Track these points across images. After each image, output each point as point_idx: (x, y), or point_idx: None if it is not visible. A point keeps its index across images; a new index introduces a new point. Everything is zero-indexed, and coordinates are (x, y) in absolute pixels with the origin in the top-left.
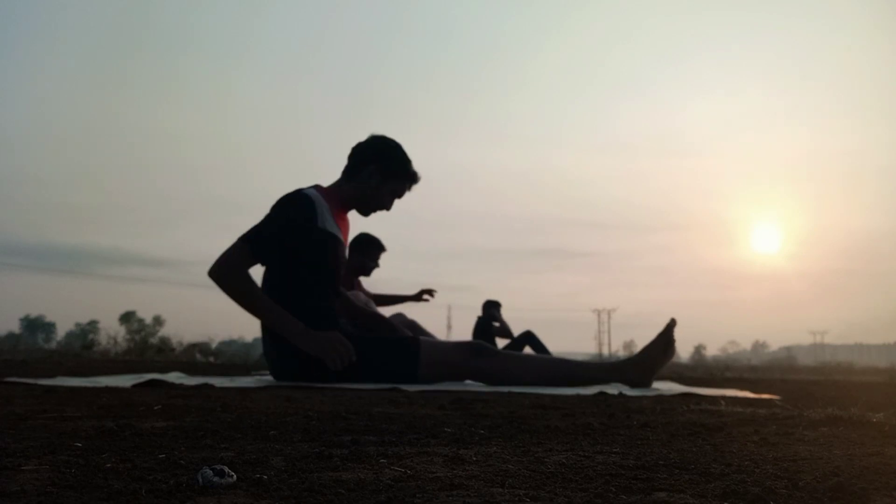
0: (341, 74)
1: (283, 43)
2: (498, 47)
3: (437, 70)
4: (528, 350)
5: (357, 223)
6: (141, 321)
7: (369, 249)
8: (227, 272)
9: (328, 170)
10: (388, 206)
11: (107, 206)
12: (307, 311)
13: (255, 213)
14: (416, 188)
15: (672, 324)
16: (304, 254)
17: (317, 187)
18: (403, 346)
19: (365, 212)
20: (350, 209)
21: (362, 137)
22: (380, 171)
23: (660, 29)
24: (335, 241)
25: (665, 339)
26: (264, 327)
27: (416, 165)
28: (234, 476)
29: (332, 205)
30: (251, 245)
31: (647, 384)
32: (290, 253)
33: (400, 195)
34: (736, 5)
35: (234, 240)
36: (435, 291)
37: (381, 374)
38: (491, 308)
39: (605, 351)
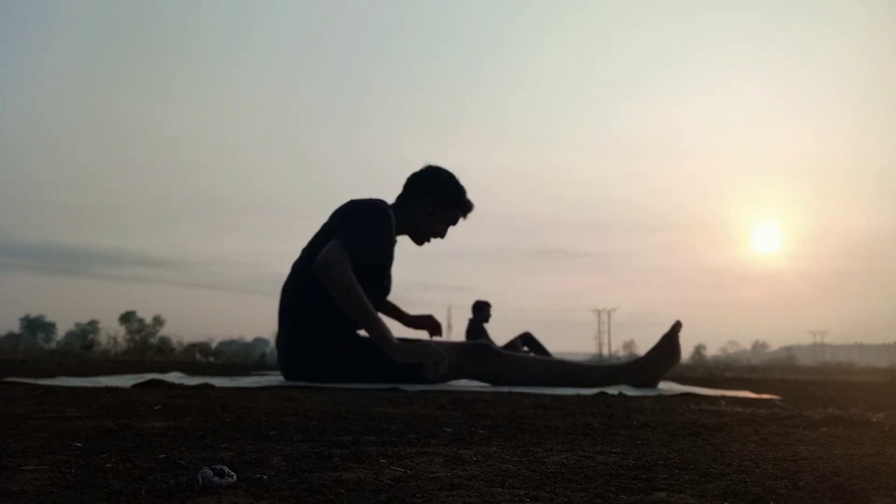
0: (342, 75)
1: (283, 43)
2: (498, 48)
3: (437, 70)
4: (526, 351)
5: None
6: (141, 321)
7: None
8: (335, 266)
9: (329, 170)
10: (441, 235)
11: (108, 206)
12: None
13: (256, 213)
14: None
15: (677, 326)
16: (376, 266)
17: (391, 208)
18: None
19: (418, 240)
20: (400, 234)
21: (364, 139)
22: (432, 200)
23: (660, 30)
24: (393, 246)
25: (670, 341)
26: (282, 325)
27: (416, 166)
28: (234, 476)
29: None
30: (358, 249)
31: (652, 387)
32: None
33: (454, 223)
34: (736, 6)
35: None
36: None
37: (388, 375)
38: (480, 310)
39: (605, 351)
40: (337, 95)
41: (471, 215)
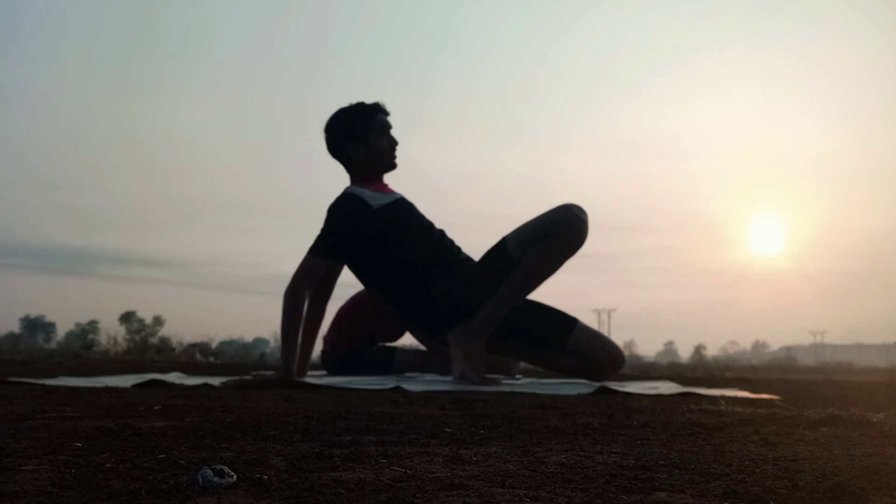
0: (347, 77)
1: (286, 44)
2: (500, 50)
3: (441, 73)
4: None
5: (399, 180)
6: (141, 321)
7: None
8: (288, 287)
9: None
10: (392, 143)
11: (108, 206)
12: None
13: (256, 213)
14: (417, 189)
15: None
16: (388, 232)
17: (352, 190)
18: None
19: (387, 168)
20: (380, 178)
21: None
22: (355, 138)
23: (663, 33)
24: (396, 206)
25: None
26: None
27: (420, 167)
28: (234, 476)
29: (369, 188)
30: (314, 250)
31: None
32: (377, 238)
33: (386, 129)
34: (738, 9)
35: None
36: None
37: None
38: None
39: None
40: (340, 96)
41: (390, 119)
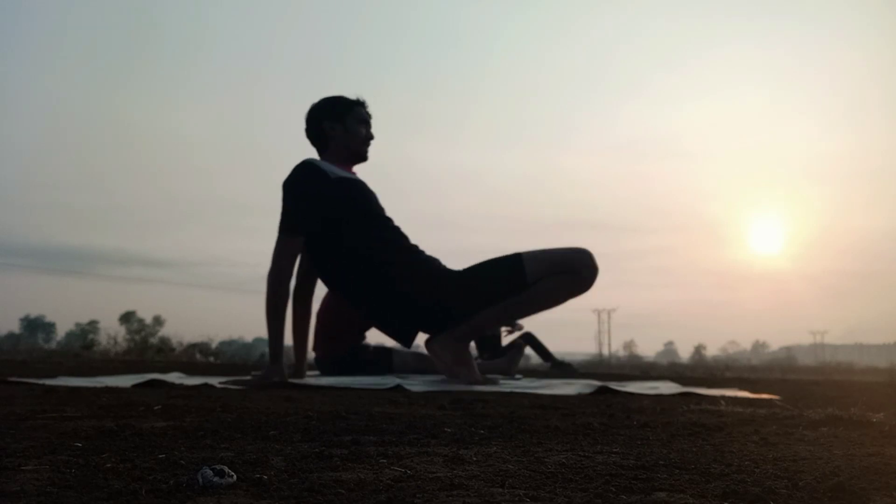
0: (347, 77)
1: (286, 45)
2: (501, 51)
3: (442, 74)
4: (527, 351)
5: (369, 170)
6: (141, 321)
7: None
8: (270, 269)
9: None
10: (367, 136)
11: (109, 207)
12: (403, 265)
13: (256, 213)
14: (417, 189)
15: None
16: (340, 209)
17: (309, 159)
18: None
19: (359, 155)
20: (350, 165)
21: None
22: (333, 119)
23: (663, 33)
24: (355, 184)
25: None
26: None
27: (420, 167)
28: (234, 476)
29: (336, 166)
30: (284, 229)
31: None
32: (331, 219)
33: (366, 119)
34: (738, 9)
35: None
36: None
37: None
38: None
39: (606, 351)
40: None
41: (367, 107)
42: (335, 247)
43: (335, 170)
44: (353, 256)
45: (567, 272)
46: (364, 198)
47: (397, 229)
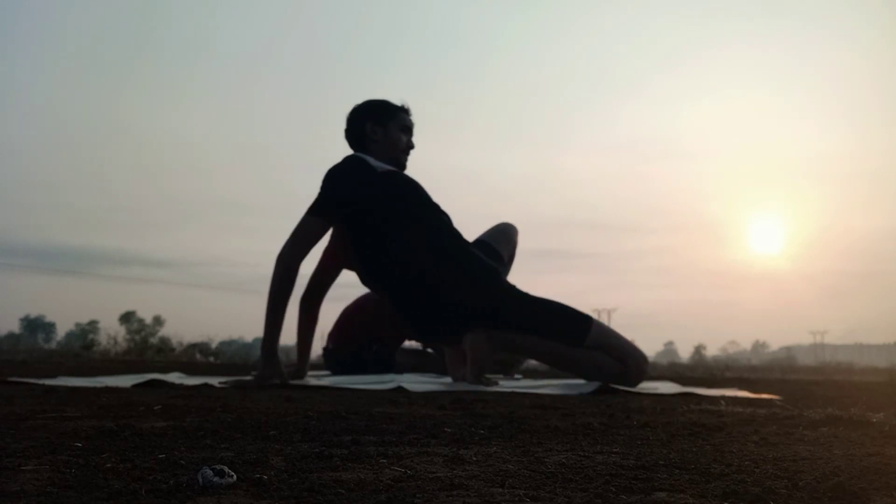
0: (347, 77)
1: (286, 44)
2: (501, 50)
3: (441, 73)
4: None
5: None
6: (141, 321)
7: None
8: (282, 250)
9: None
10: (408, 144)
11: (109, 207)
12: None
13: (256, 213)
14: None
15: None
16: (387, 203)
17: (358, 153)
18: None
19: (397, 162)
20: (389, 169)
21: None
22: (376, 122)
23: (663, 33)
24: (402, 177)
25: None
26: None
27: (420, 167)
28: (234, 476)
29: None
30: (311, 210)
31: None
32: (376, 213)
33: (409, 127)
34: (738, 9)
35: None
36: None
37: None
38: None
39: None
40: (340, 96)
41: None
42: (381, 242)
43: (381, 165)
44: (400, 251)
45: (619, 360)
46: (412, 189)
47: (447, 223)
